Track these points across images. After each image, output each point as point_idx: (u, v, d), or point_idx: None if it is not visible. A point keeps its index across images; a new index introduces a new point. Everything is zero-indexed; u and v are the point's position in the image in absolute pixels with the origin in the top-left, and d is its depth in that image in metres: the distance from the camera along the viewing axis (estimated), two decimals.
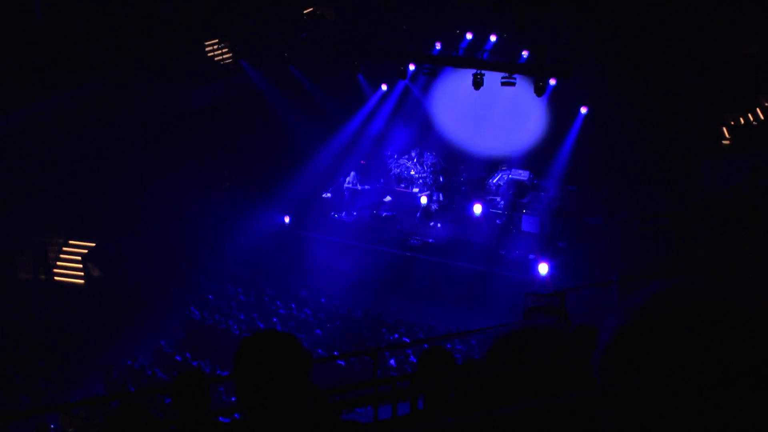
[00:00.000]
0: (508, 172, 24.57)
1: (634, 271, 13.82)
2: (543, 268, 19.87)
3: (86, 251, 22.71)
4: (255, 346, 2.41)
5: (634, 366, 1.21)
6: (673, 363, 1.16)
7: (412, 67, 23.36)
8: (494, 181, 24.60)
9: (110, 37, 22.61)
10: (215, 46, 25.43)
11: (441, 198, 23.94)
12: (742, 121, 22.61)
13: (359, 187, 24.69)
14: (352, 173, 24.80)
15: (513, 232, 22.62)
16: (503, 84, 21.19)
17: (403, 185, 25.62)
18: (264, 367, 2.36)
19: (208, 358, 17.20)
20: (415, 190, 24.91)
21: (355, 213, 24.46)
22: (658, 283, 1.29)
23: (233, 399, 13.98)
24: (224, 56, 25.74)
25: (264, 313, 19.39)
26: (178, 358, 17.10)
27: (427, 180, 25.00)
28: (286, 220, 23.88)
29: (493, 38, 24.03)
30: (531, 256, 21.34)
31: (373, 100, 27.63)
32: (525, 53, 22.41)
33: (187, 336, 19.24)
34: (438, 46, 24.03)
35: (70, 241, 23.06)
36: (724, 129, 22.77)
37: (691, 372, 1.14)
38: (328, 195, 24.97)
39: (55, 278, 22.42)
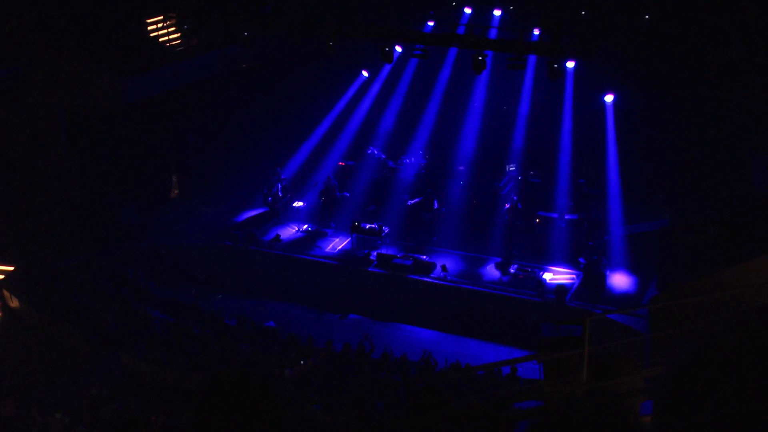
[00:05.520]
0: (517, 173, 24.61)
1: (671, 293, 13.83)
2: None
3: (2, 277, 22.48)
4: (218, 393, 2.29)
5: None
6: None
7: (399, 49, 23.36)
8: (501, 184, 24.62)
9: (25, 13, 22.45)
10: (159, 25, 25.30)
11: (436, 206, 23.94)
12: None
13: (337, 194, 24.66)
14: (329, 177, 24.78)
15: (524, 245, 22.63)
16: (510, 67, 21.19)
17: (390, 191, 25.58)
18: (230, 419, 2.25)
19: (156, 407, 17.04)
20: (405, 197, 24.88)
21: (333, 225, 24.43)
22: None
23: None
24: (171, 37, 25.63)
25: (224, 349, 19.26)
26: (117, 406, 16.93)
27: (420, 184, 24.99)
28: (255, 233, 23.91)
29: (497, 12, 24.09)
30: (546, 276, 21.37)
31: (353, 88, 27.63)
32: (536, 30, 22.47)
33: (129, 380, 19.05)
34: (431, 23, 24.07)
35: None
36: None
37: None
38: (301, 204, 24.91)
39: None
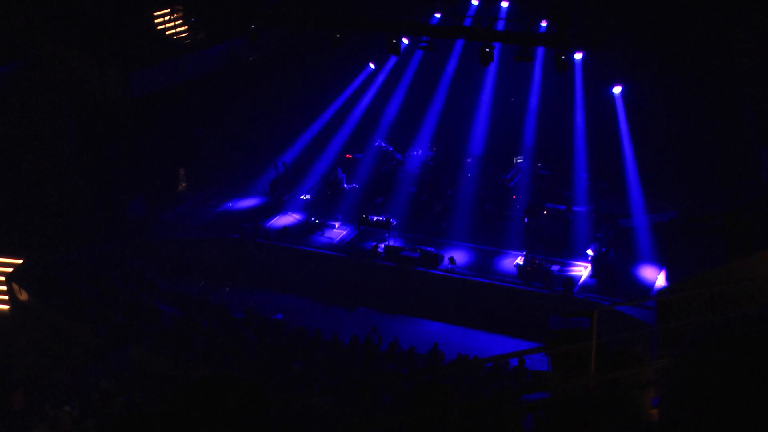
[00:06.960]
0: (525, 165, 24.53)
1: (679, 285, 13.81)
2: None
3: (11, 270, 22.53)
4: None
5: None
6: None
7: (405, 41, 23.32)
8: (508, 176, 24.58)
9: (33, 7, 22.46)
10: (166, 18, 25.31)
11: (444, 198, 23.92)
12: None
13: (345, 187, 24.65)
14: (336, 169, 24.78)
15: (532, 237, 22.58)
16: (517, 59, 21.13)
17: (397, 184, 25.58)
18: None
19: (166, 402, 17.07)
20: (413, 189, 24.86)
21: (340, 216, 24.42)
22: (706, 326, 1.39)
23: None
24: (177, 30, 25.64)
25: (232, 343, 19.27)
26: (126, 399, 16.99)
27: (427, 177, 24.96)
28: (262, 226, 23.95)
29: (504, 4, 24.03)
30: (554, 268, 21.34)
31: (359, 81, 27.60)
32: (543, 22, 22.39)
33: (138, 373, 19.08)
34: (438, 15, 24.04)
35: None
36: None
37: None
38: (307, 197, 24.90)
39: None
